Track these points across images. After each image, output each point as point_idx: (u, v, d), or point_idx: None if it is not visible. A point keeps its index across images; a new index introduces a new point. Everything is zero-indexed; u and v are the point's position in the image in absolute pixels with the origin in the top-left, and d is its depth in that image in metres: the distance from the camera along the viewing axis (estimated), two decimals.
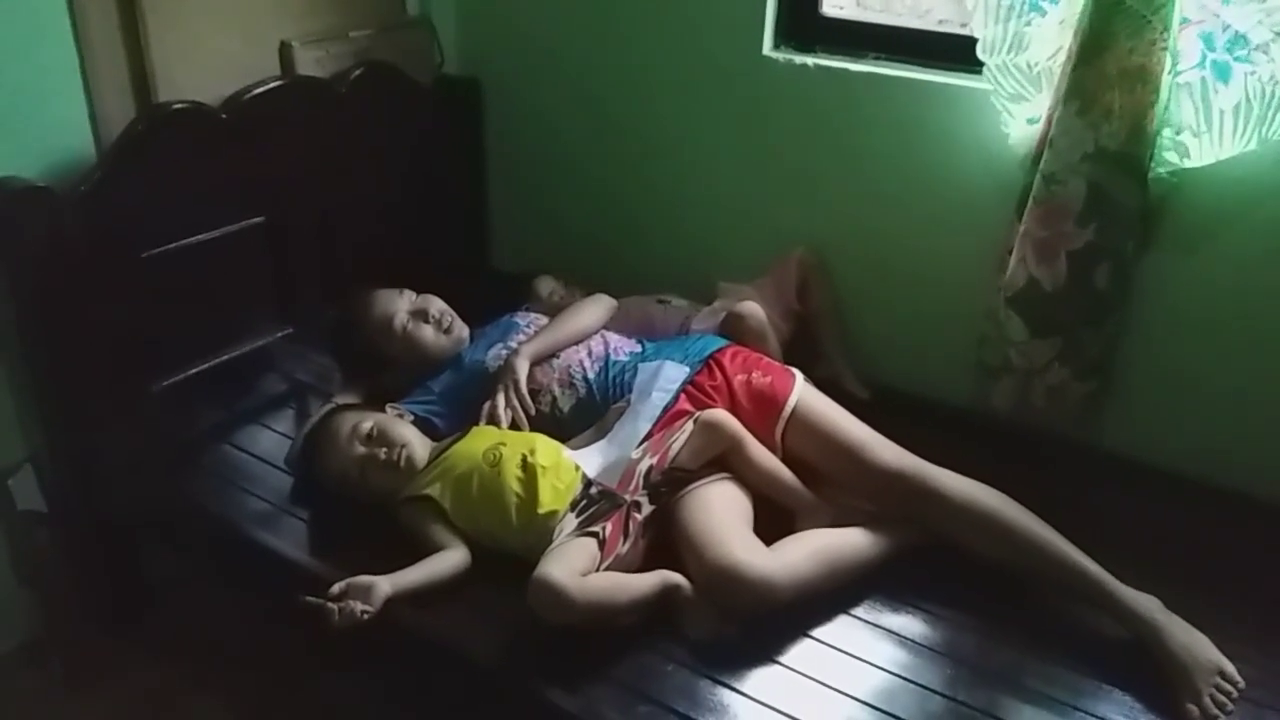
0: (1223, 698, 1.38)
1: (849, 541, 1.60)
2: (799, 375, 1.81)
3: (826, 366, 2.09)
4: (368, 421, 1.72)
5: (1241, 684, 1.40)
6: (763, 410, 1.74)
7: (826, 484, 1.70)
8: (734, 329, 1.93)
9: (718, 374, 1.79)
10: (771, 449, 1.71)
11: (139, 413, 1.86)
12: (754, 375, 1.79)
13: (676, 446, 1.63)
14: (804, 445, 1.73)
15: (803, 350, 2.05)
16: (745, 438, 1.67)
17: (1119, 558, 1.52)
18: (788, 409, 1.74)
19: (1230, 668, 1.40)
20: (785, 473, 1.69)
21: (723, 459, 1.67)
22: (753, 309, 1.94)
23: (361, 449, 1.69)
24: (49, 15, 1.71)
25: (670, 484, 1.62)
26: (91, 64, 1.78)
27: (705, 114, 2.19)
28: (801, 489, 1.68)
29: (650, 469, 1.60)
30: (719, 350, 1.84)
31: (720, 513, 1.58)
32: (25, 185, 1.65)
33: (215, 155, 1.88)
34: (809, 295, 2.12)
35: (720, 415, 1.68)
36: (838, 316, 2.15)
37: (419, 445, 1.72)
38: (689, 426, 1.65)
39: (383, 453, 1.68)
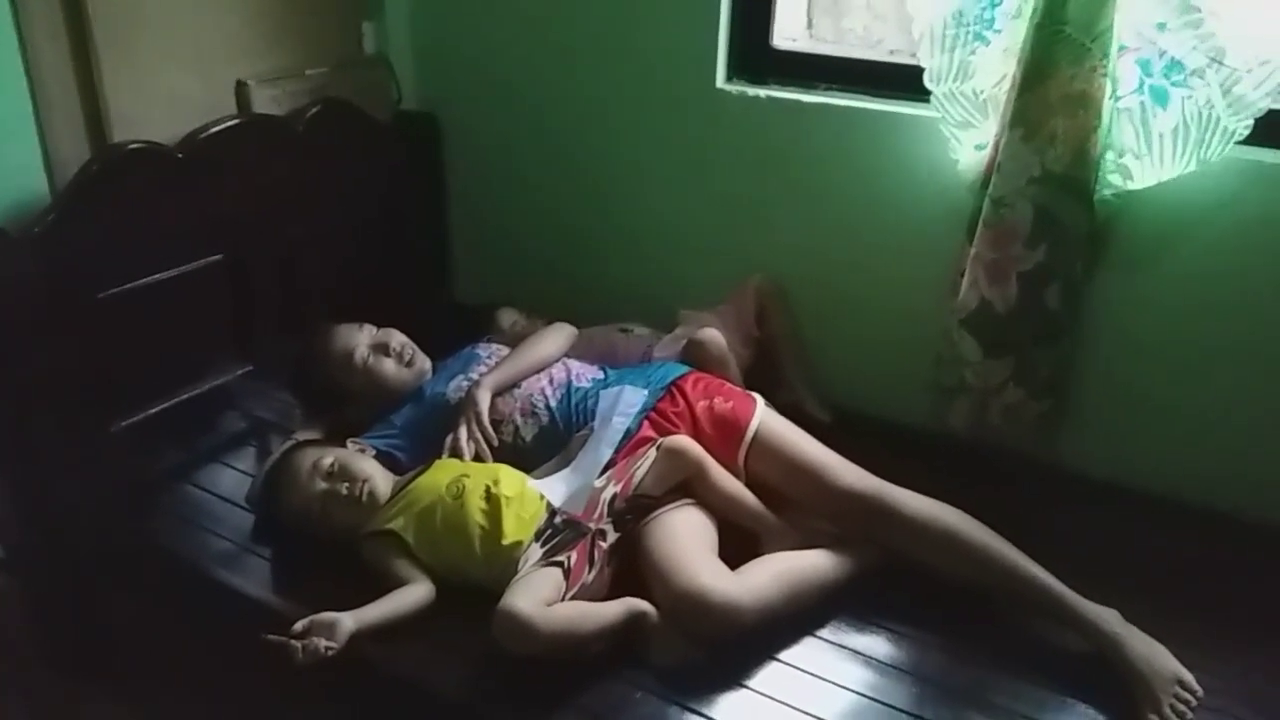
0: (1182, 706, 1.40)
1: (812, 563, 1.61)
2: (760, 400, 1.83)
3: (787, 391, 2.10)
4: (328, 457, 1.72)
5: (1200, 693, 1.42)
6: (725, 435, 1.76)
7: (790, 507, 1.72)
8: (695, 356, 1.94)
9: (680, 400, 1.80)
10: (735, 474, 1.72)
11: (98, 454, 1.84)
12: (716, 401, 1.80)
13: (640, 473, 1.64)
14: (767, 469, 1.74)
15: (763, 376, 2.07)
16: (708, 463, 1.68)
17: (1079, 573, 1.54)
18: (749, 433, 1.75)
19: (1189, 677, 1.43)
20: (749, 497, 1.70)
21: (686, 485, 1.68)
22: (713, 336, 1.96)
23: (323, 485, 1.68)
24: (1, 57, 1.70)
25: (634, 511, 1.63)
26: (45, 105, 1.77)
27: (661, 146, 2.22)
28: (765, 513, 1.69)
29: (614, 497, 1.61)
30: (680, 377, 1.85)
31: (685, 538, 1.59)
32: None
33: (172, 194, 1.88)
34: (768, 321, 2.14)
35: (683, 441, 1.69)
36: (797, 341, 2.17)
37: (381, 480, 1.71)
38: (652, 453, 1.66)
39: (344, 488, 1.67)
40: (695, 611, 1.47)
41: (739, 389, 1.88)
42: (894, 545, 1.63)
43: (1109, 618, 1.49)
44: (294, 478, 1.70)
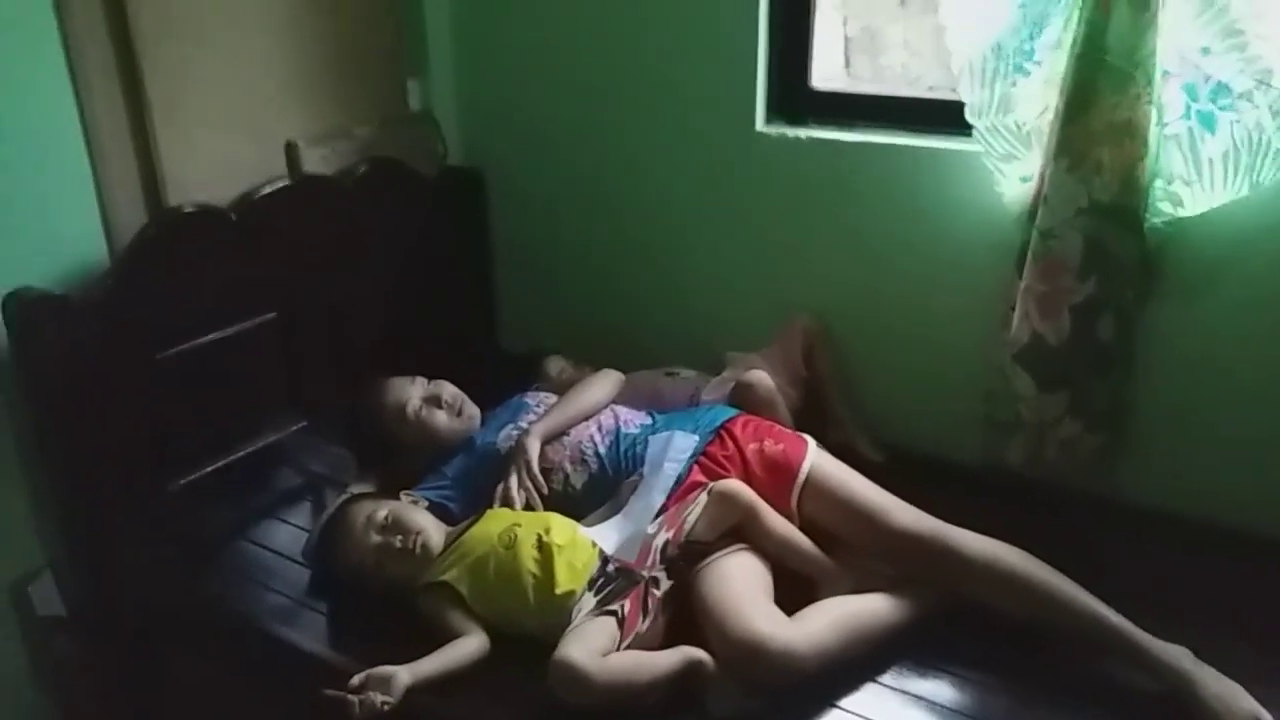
0: None
1: (871, 608, 1.58)
2: (811, 441, 1.81)
3: (838, 431, 2.09)
4: (383, 510, 1.73)
5: None
6: (777, 478, 1.74)
7: (845, 549, 1.69)
8: (743, 398, 1.94)
9: (729, 444, 1.79)
10: (788, 517, 1.70)
11: (156, 513, 1.87)
12: (766, 443, 1.79)
13: (692, 519, 1.63)
14: (821, 511, 1.72)
15: (813, 417, 2.05)
16: (760, 506, 1.67)
17: (1145, 609, 1.50)
18: (802, 475, 1.73)
19: (1267, 716, 1.38)
20: (803, 540, 1.68)
21: (739, 529, 1.66)
22: (761, 377, 1.95)
23: (377, 538, 1.69)
24: (62, 126, 1.75)
25: (687, 557, 1.61)
26: (104, 172, 1.82)
27: (702, 190, 2.23)
28: (820, 556, 1.67)
29: (666, 543, 1.60)
30: (729, 420, 1.84)
31: (739, 584, 1.57)
32: (41, 294, 1.67)
33: (226, 255, 1.92)
34: (815, 361, 2.13)
35: (734, 485, 1.68)
36: (845, 381, 2.16)
37: (434, 531, 1.72)
38: (703, 498, 1.65)
39: (398, 540, 1.68)
40: (751, 659, 1.45)
41: (789, 430, 1.87)
42: (954, 586, 1.60)
43: (1180, 655, 1.45)
44: (348, 532, 1.72)
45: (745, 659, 1.46)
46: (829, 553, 1.67)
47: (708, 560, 1.61)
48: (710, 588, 1.57)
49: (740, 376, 1.97)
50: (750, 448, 1.79)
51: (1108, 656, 1.51)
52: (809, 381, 2.12)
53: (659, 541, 1.60)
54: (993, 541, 1.59)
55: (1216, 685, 1.41)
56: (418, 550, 1.67)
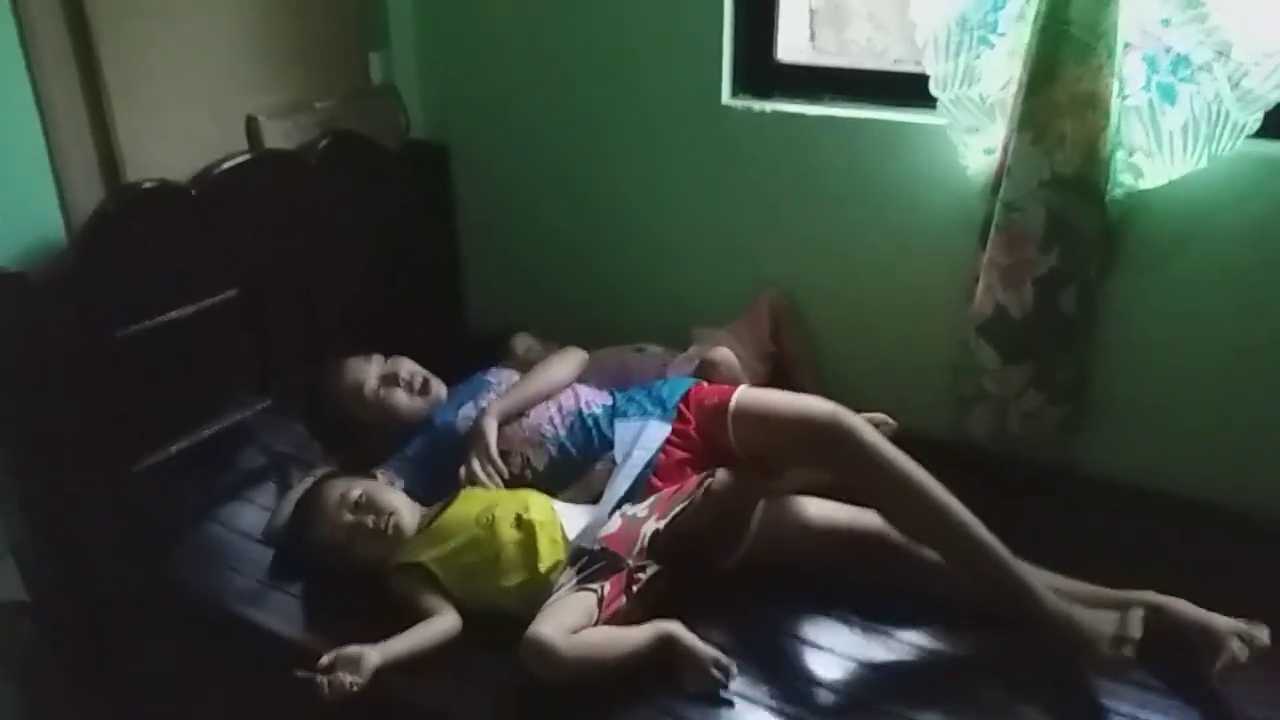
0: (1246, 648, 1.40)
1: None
2: (743, 386, 1.81)
3: None
4: (356, 489, 1.72)
5: (1265, 639, 1.41)
6: (713, 416, 1.75)
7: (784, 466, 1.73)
8: (708, 376, 1.94)
9: (688, 415, 1.79)
10: (728, 451, 1.71)
11: (120, 495, 1.84)
12: (704, 397, 1.80)
13: (677, 508, 1.60)
14: (753, 436, 1.72)
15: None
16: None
17: (1104, 577, 1.53)
18: (732, 405, 1.73)
19: (1246, 627, 1.42)
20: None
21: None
22: (725, 354, 1.95)
23: (350, 517, 1.68)
24: (14, 102, 1.72)
25: (676, 544, 1.60)
26: (59, 149, 1.79)
27: (669, 164, 2.22)
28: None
29: (656, 533, 1.58)
30: (685, 394, 1.84)
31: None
32: None
33: (187, 232, 1.89)
34: (783, 336, 2.14)
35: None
36: (813, 356, 2.17)
37: (407, 512, 1.71)
38: (699, 497, 1.62)
39: (371, 520, 1.67)
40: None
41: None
42: (857, 481, 1.63)
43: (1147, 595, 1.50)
44: (321, 510, 1.71)
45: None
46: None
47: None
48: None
49: (705, 354, 1.98)
50: (694, 409, 1.79)
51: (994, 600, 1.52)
52: (776, 357, 2.13)
53: (647, 529, 1.58)
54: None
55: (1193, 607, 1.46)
56: (390, 530, 1.67)
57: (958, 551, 1.54)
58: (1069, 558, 1.56)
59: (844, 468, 1.63)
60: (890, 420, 1.74)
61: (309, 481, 1.83)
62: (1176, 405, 1.87)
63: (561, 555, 1.58)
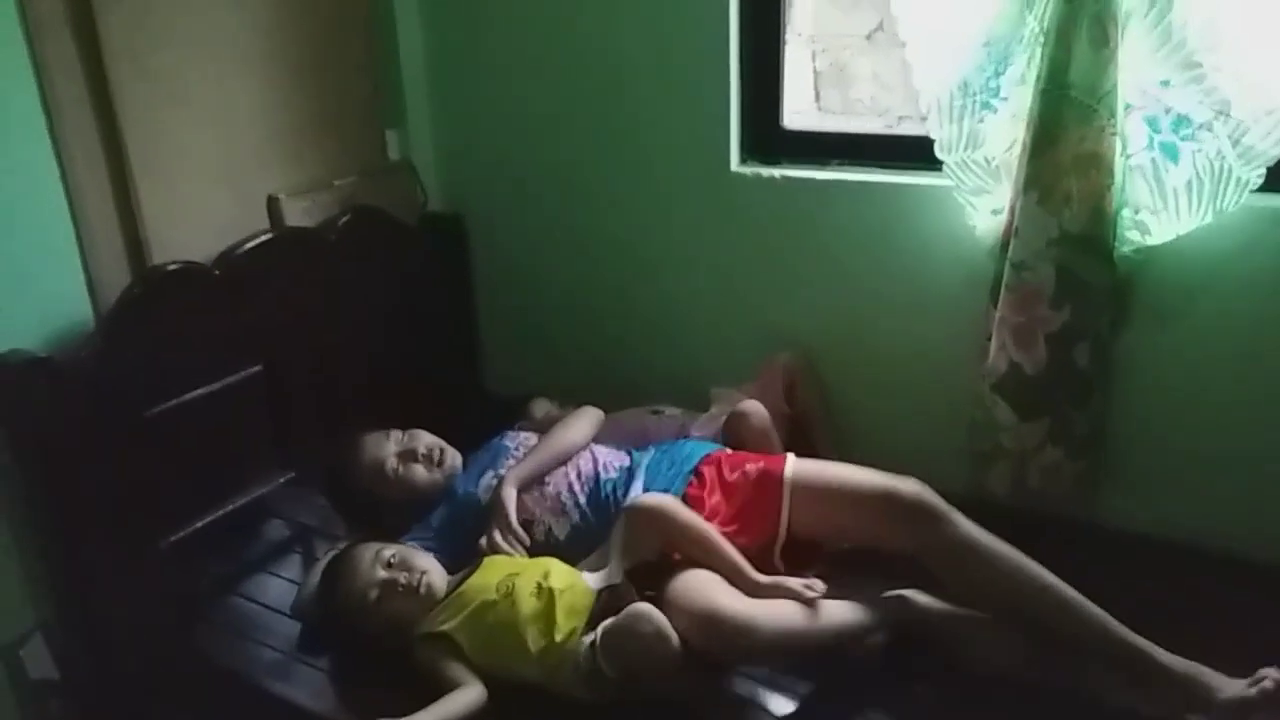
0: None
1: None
2: (791, 455, 1.82)
3: None
4: (390, 549, 1.75)
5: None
6: (765, 491, 1.75)
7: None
8: (738, 428, 1.95)
9: (707, 480, 1.80)
10: (774, 537, 1.72)
11: (146, 571, 1.86)
12: (748, 466, 1.80)
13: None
14: (812, 511, 1.72)
15: (797, 452, 2.06)
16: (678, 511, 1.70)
17: (1134, 628, 1.52)
18: (788, 481, 1.74)
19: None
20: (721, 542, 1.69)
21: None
22: (755, 407, 1.96)
23: (383, 573, 1.70)
24: (44, 189, 1.76)
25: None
26: (87, 233, 1.83)
27: (680, 231, 2.26)
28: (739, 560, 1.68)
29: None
30: (704, 459, 1.85)
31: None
32: (28, 358, 1.68)
33: (211, 311, 1.93)
34: (798, 397, 2.14)
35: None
36: (828, 417, 2.18)
37: (438, 575, 1.73)
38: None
39: (403, 578, 1.69)
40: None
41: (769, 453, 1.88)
42: (947, 567, 1.61)
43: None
44: (355, 566, 1.72)
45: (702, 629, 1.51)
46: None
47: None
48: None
49: (735, 406, 1.98)
50: (733, 476, 1.79)
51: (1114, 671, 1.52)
52: (791, 419, 2.13)
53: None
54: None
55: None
56: (422, 589, 1.68)
57: (1062, 626, 1.54)
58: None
59: (929, 545, 1.62)
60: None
61: (336, 550, 1.85)
62: (1193, 456, 1.87)
63: (579, 623, 1.58)
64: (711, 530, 1.69)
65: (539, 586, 1.63)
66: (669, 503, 1.70)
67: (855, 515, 1.70)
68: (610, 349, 2.44)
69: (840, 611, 1.62)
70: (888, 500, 1.65)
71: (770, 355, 2.16)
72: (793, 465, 1.77)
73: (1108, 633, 1.51)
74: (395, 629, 1.68)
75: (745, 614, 1.53)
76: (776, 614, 1.56)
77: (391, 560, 1.71)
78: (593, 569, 1.72)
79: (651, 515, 1.69)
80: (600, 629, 1.51)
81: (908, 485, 1.65)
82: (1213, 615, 1.63)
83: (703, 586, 1.59)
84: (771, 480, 1.75)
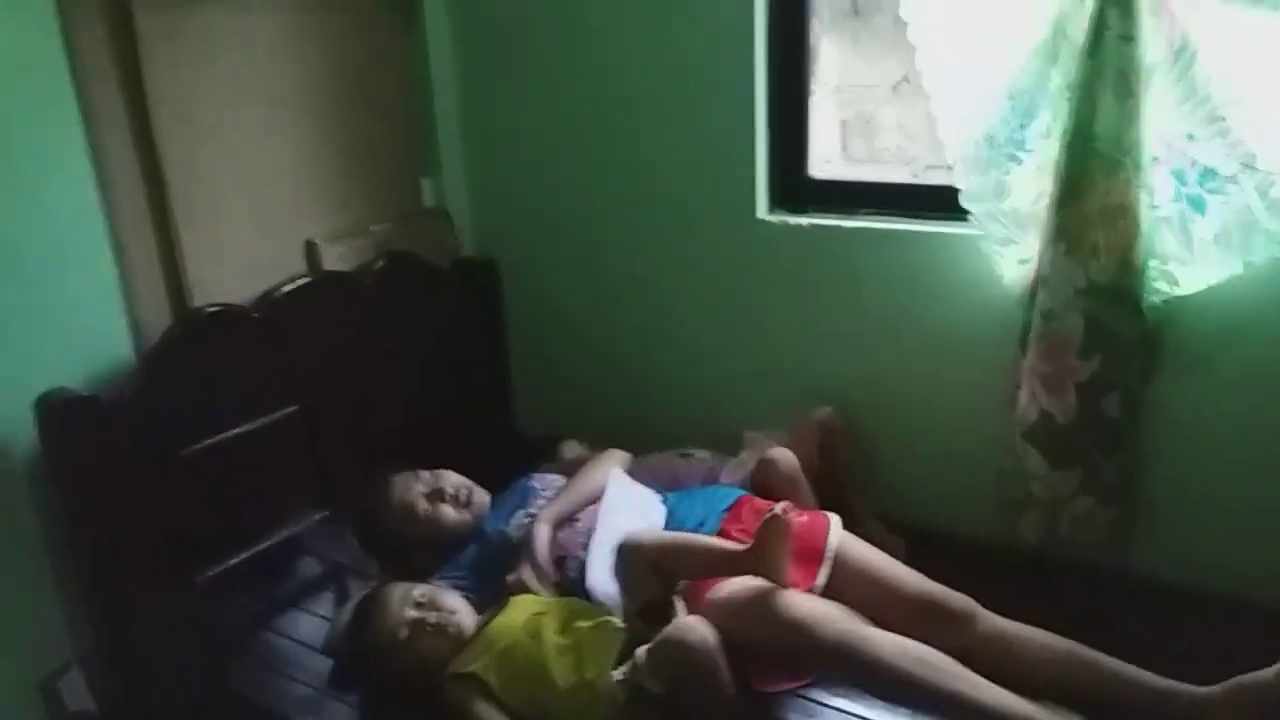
0: None
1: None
2: (835, 519, 1.83)
3: (856, 525, 1.99)
4: (420, 588, 1.77)
5: None
6: (806, 549, 1.75)
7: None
8: (766, 474, 1.95)
9: (743, 517, 1.82)
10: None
11: (183, 606, 1.90)
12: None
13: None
14: (854, 581, 1.73)
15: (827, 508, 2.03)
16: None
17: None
18: (833, 548, 1.76)
19: None
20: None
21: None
22: (785, 454, 1.96)
23: (413, 613, 1.72)
24: (90, 232, 1.82)
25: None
26: (130, 276, 1.89)
27: (709, 278, 2.29)
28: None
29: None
30: (736, 501, 1.86)
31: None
32: (72, 395, 1.73)
33: (249, 352, 1.98)
34: (831, 455, 2.08)
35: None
36: (862, 474, 2.14)
37: (467, 615, 1.75)
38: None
39: (432, 616, 1.71)
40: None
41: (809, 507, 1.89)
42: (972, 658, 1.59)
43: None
44: (385, 606, 1.74)
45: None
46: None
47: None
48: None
49: (764, 453, 1.98)
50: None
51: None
52: (821, 476, 2.06)
53: None
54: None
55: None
56: (450, 629, 1.71)
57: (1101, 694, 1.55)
58: (1121, 658, 1.55)
59: (955, 646, 1.60)
60: None
61: (367, 590, 1.87)
62: (1223, 505, 1.86)
63: (609, 659, 1.59)
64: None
65: (564, 625, 1.64)
66: (639, 531, 1.74)
67: (893, 606, 1.69)
68: (638, 393, 2.46)
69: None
70: (929, 605, 1.67)
71: (809, 411, 2.12)
72: (840, 537, 1.78)
73: (1140, 683, 1.53)
74: (424, 668, 1.70)
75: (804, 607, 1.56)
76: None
77: (420, 600, 1.74)
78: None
79: (627, 549, 1.72)
80: (648, 647, 1.52)
81: (959, 597, 1.67)
82: (1240, 661, 1.61)
83: (746, 582, 1.61)
84: (810, 550, 1.75)
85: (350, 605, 1.89)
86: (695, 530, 1.81)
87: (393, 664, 1.73)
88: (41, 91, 1.72)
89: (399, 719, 1.68)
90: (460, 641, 1.70)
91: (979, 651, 1.60)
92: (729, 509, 1.85)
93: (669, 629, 1.50)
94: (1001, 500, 1.97)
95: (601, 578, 1.75)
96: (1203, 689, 1.50)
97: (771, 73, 2.11)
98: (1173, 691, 1.52)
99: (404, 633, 1.71)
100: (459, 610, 1.74)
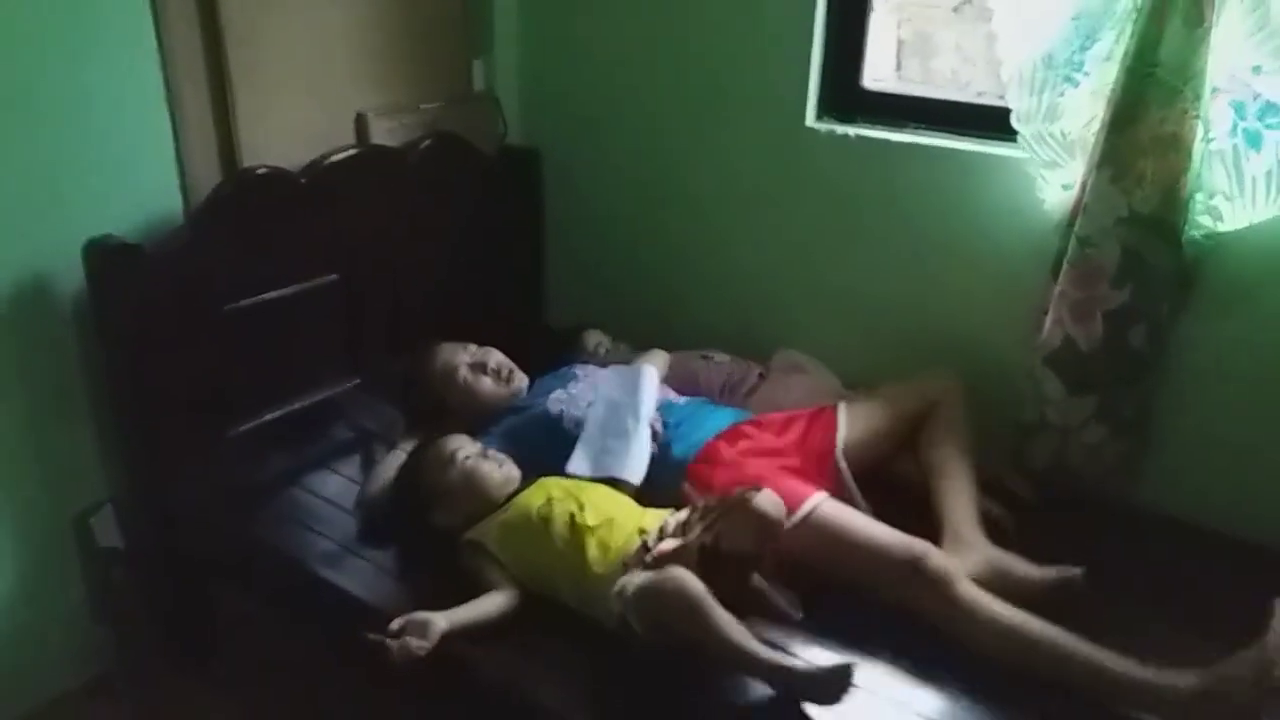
0: None
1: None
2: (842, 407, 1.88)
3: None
4: (471, 446, 1.82)
5: None
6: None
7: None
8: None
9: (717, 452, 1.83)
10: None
11: (215, 457, 1.97)
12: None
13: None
14: (819, 545, 1.65)
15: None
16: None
17: (1162, 617, 1.55)
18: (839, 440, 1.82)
19: None
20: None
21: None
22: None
23: (471, 448, 1.79)
24: (147, 87, 1.86)
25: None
26: (184, 133, 1.93)
27: (750, 182, 2.29)
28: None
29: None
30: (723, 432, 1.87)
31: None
32: (119, 243, 1.77)
33: (294, 218, 2.01)
34: (931, 434, 1.87)
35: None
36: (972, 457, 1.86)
37: (514, 468, 1.80)
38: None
39: (488, 454, 1.78)
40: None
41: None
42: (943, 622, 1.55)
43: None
44: (444, 441, 1.80)
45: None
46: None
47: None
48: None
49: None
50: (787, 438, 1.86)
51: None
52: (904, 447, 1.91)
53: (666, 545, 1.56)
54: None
55: None
56: (504, 465, 1.78)
57: (1072, 680, 1.46)
58: (1125, 593, 1.57)
59: (928, 609, 1.55)
60: None
61: (397, 451, 1.93)
62: (1241, 445, 1.87)
63: (614, 561, 1.58)
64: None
65: (571, 518, 1.65)
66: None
67: (853, 566, 1.63)
68: (668, 293, 2.48)
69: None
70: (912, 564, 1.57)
71: (927, 371, 1.96)
72: (820, 504, 1.68)
73: (1115, 676, 1.44)
74: (473, 498, 1.74)
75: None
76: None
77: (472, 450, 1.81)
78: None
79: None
80: (632, 587, 1.46)
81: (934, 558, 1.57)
82: (1246, 608, 1.55)
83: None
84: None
85: (376, 472, 1.94)
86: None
87: (442, 494, 1.75)
88: None
89: (417, 579, 1.74)
90: (502, 494, 1.75)
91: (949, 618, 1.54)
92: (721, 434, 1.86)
93: (655, 578, 1.44)
94: (1016, 424, 1.97)
95: (580, 463, 1.81)
96: (1181, 685, 1.41)
97: None
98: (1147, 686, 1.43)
99: (463, 455, 1.76)
100: (508, 461, 1.80)
